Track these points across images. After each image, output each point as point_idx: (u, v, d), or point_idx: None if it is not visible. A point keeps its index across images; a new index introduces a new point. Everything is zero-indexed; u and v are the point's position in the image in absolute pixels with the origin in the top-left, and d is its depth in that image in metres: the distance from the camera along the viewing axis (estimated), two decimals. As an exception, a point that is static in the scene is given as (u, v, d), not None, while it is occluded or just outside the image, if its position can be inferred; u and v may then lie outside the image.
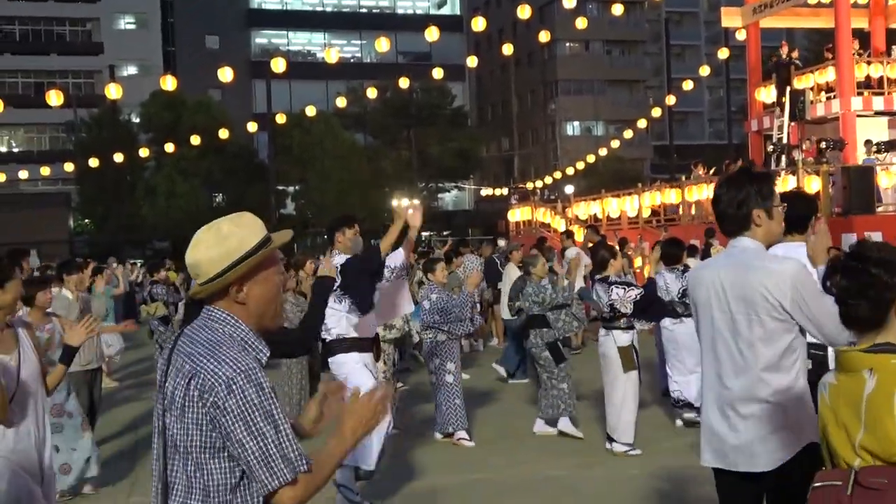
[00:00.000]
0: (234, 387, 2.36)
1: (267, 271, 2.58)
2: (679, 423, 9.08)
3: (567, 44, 62.05)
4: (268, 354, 2.54)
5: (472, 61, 26.16)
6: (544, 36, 25.42)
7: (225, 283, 2.51)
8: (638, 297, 8.15)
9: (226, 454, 2.42)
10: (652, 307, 8.46)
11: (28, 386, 4.30)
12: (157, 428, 2.57)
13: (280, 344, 4.09)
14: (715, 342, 3.72)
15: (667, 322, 9.39)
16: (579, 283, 12.33)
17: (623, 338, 8.14)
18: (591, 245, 14.78)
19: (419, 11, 61.51)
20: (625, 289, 8.21)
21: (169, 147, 34.86)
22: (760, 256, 3.67)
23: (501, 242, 17.96)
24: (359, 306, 6.60)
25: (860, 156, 19.38)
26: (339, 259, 6.49)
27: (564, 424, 8.93)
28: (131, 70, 53.41)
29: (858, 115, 20.74)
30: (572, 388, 8.99)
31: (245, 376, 2.37)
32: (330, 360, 6.68)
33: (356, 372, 6.54)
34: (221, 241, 2.51)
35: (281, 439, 2.38)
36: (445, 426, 8.95)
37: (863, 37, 22.94)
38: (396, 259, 6.87)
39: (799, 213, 5.24)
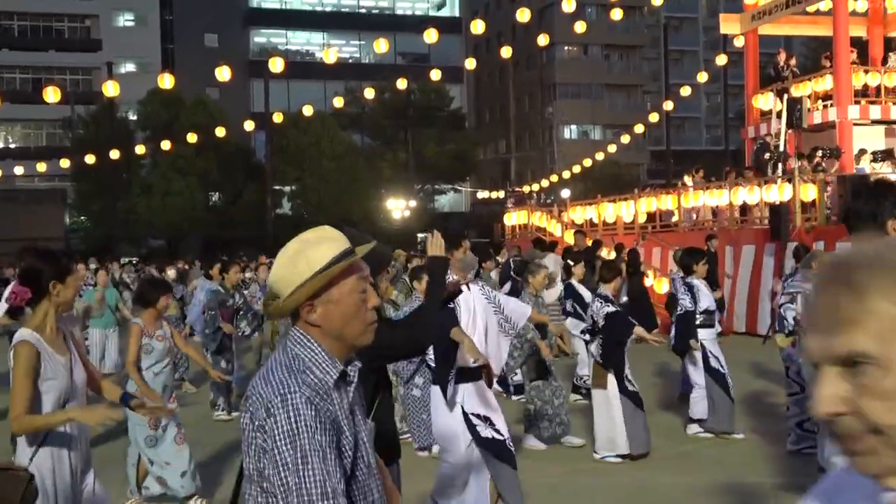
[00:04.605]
0: (271, 409, 2.19)
1: (340, 289, 2.37)
2: (690, 431, 9.05)
3: (566, 47, 62.14)
4: (336, 375, 2.32)
5: (470, 63, 26.10)
6: (543, 39, 25.45)
7: (296, 304, 2.35)
8: (610, 313, 7.90)
9: None
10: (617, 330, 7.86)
11: (77, 390, 4.19)
12: None
13: (383, 349, 3.29)
14: None
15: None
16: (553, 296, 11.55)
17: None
18: (576, 250, 14.69)
19: (418, 13, 61.56)
20: (601, 303, 8.07)
21: (166, 145, 34.87)
22: None
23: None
24: (437, 378, 5.94)
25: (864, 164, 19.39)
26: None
27: (531, 441, 8.79)
28: (129, 67, 53.35)
29: (855, 124, 20.74)
30: (546, 407, 8.69)
31: (282, 399, 2.19)
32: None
33: (445, 413, 5.97)
34: (290, 260, 2.37)
35: (306, 478, 2.13)
36: (418, 440, 8.65)
37: (861, 45, 22.96)
38: (518, 316, 6.18)
39: None
